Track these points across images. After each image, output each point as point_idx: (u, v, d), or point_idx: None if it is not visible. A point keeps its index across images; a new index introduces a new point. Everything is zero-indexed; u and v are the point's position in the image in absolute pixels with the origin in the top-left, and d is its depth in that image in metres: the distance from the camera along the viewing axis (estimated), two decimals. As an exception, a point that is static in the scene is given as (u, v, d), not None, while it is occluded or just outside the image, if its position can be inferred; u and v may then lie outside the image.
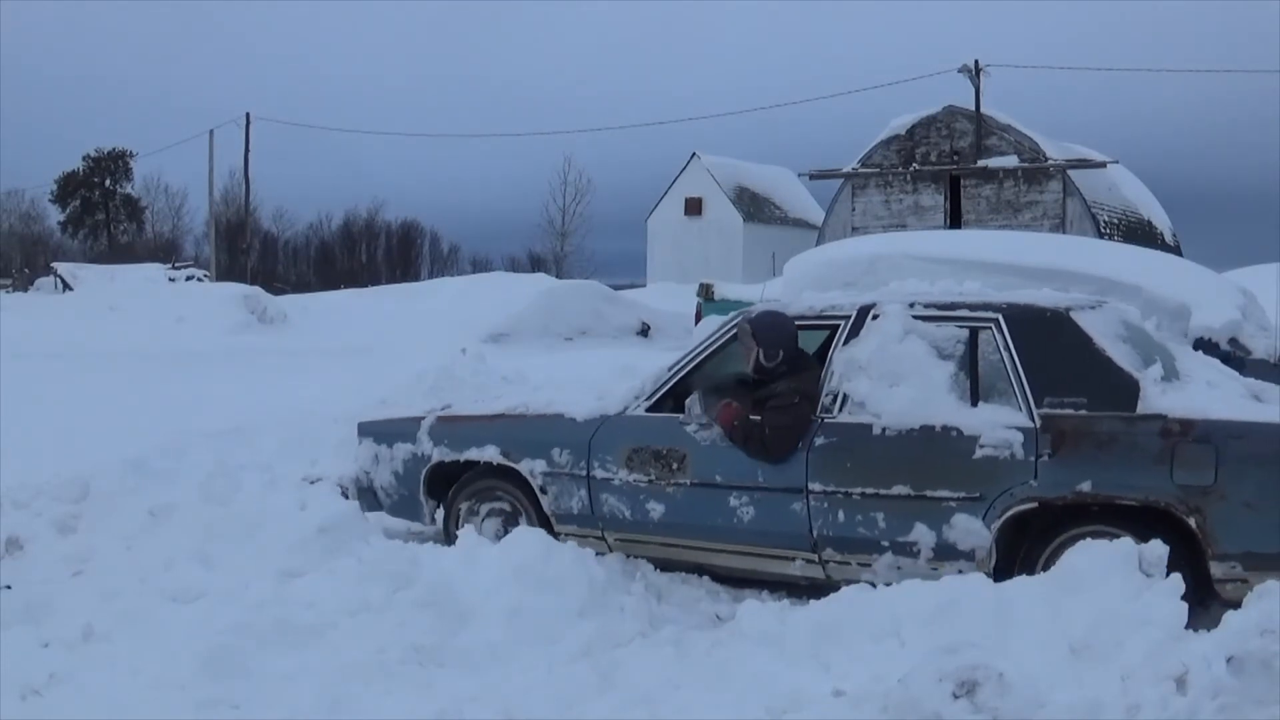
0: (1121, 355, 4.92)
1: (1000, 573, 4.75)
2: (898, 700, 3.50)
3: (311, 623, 4.50)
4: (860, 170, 31.82)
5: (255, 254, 51.41)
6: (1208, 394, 4.95)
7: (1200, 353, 6.33)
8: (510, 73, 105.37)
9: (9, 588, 5.04)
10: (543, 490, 5.75)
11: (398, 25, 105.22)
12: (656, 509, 5.47)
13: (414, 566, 4.87)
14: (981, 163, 30.25)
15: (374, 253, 77.36)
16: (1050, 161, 29.90)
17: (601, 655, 4.31)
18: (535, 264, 59.79)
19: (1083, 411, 4.81)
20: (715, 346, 5.65)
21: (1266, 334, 8.32)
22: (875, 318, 5.30)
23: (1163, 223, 33.13)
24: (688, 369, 5.65)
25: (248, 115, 43.97)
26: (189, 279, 35.86)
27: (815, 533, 5.15)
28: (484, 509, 6.00)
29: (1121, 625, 3.81)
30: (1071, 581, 4.09)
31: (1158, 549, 4.11)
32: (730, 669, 4.11)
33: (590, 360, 13.58)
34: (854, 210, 31.86)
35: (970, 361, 5.14)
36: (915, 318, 5.23)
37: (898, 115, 31.75)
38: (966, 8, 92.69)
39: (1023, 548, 4.90)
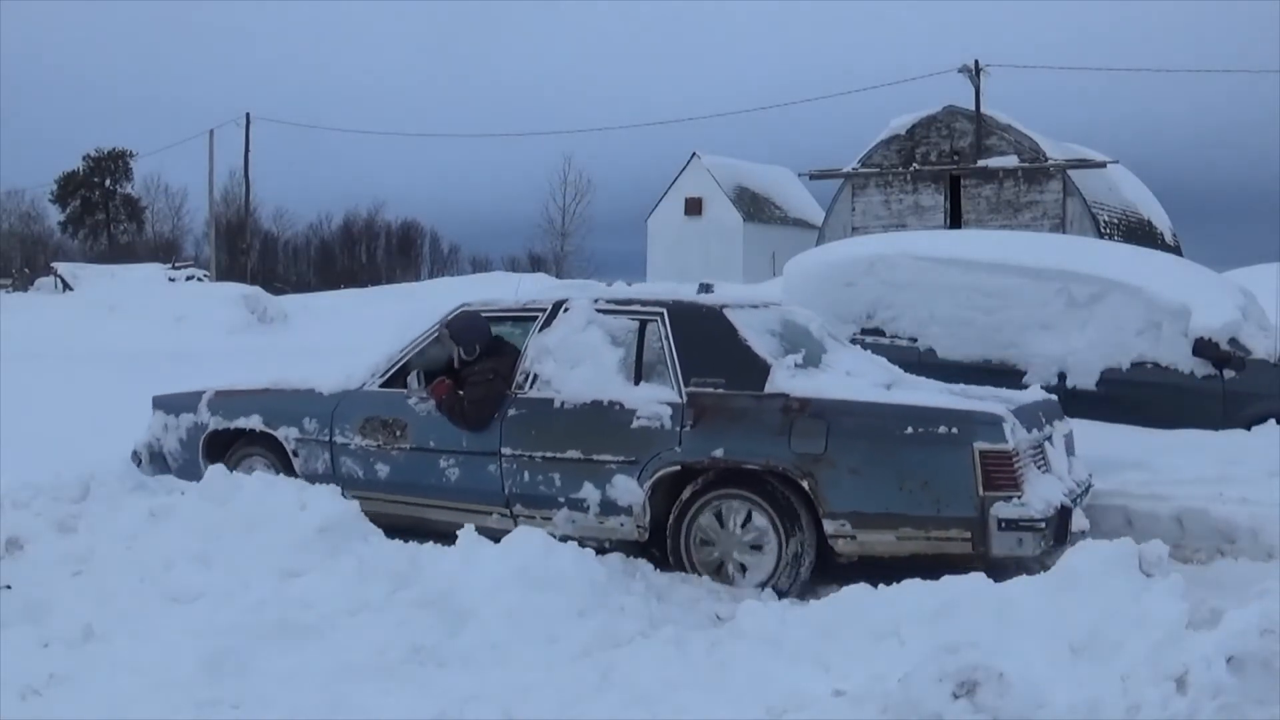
0: (762, 345, 5.73)
1: (656, 529, 5.65)
2: (898, 700, 3.50)
3: (311, 623, 4.50)
4: (860, 170, 31.80)
5: (255, 254, 51.42)
6: (834, 380, 5.69)
7: (859, 348, 6.91)
8: (510, 73, 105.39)
9: (9, 588, 5.04)
10: (294, 454, 6.57)
11: (398, 25, 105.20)
12: (384, 470, 6.29)
13: (414, 566, 4.87)
14: (981, 163, 30.23)
15: (374, 253, 77.38)
16: (1050, 161, 29.87)
17: (601, 655, 4.30)
18: (535, 264, 59.81)
19: (720, 390, 5.62)
20: (436, 333, 6.42)
21: (1266, 334, 8.31)
22: (566, 310, 6.13)
23: (1163, 223, 33.10)
24: (415, 350, 6.46)
25: (248, 115, 44.02)
26: (189, 279, 35.86)
27: (507, 490, 5.97)
28: (252, 471, 6.45)
29: (1121, 625, 3.81)
30: (1071, 581, 4.09)
31: (1157, 549, 4.13)
32: (730, 669, 4.11)
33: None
34: (854, 210, 31.83)
35: (638, 348, 5.93)
36: (598, 311, 6.06)
37: (898, 115, 31.72)
38: (966, 8, 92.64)
39: (675, 506, 5.62)
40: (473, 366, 6.21)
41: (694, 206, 50.41)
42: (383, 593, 4.69)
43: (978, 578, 4.33)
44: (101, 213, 72.85)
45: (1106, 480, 6.60)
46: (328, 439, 6.46)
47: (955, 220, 30.36)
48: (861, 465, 5.28)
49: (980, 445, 5.10)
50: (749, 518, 5.51)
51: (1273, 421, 7.58)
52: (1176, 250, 29.14)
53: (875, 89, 66.06)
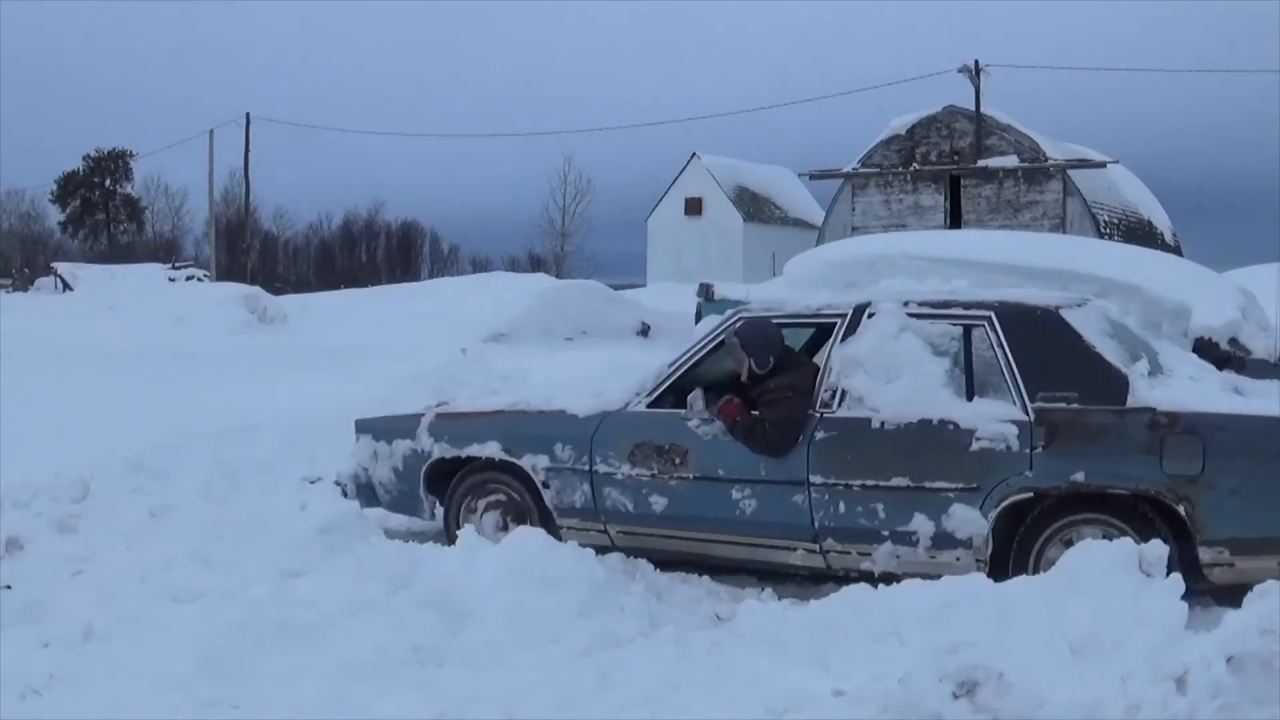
0: (1110, 351, 5.11)
1: (997, 561, 5.02)
2: (898, 700, 3.50)
3: (311, 623, 4.49)
4: (860, 170, 31.78)
5: (255, 254, 51.38)
6: (1192, 388, 5.17)
7: (1184, 350, 6.48)
8: (510, 73, 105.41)
9: (9, 588, 5.04)
10: (545, 485, 5.86)
11: (398, 25, 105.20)
12: (660, 502, 5.60)
13: (414, 566, 4.87)
14: (981, 163, 30.21)
15: (374, 253, 77.36)
16: (1050, 161, 29.86)
17: (601, 655, 4.30)
18: (535, 264, 59.81)
19: (1075, 405, 4.99)
20: (713, 344, 5.79)
21: (1266, 334, 8.31)
22: (871, 316, 5.45)
23: (1163, 223, 33.09)
24: (688, 366, 5.79)
25: (248, 115, 43.99)
26: (189, 279, 35.85)
27: (816, 523, 5.30)
28: (482, 504, 6.10)
29: (1121, 625, 3.81)
30: (1071, 581, 4.09)
31: (1158, 549, 4.12)
32: (730, 669, 4.10)
33: (591, 360, 13.56)
34: (854, 210, 31.81)
35: (965, 357, 5.34)
36: (910, 315, 5.39)
37: (898, 115, 31.70)
38: (966, 8, 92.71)
39: (1018, 536, 5.06)
40: (765, 383, 5.53)
41: (694, 206, 50.39)
42: (383, 593, 4.69)
43: (978, 578, 4.33)
44: (101, 213, 72.83)
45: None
46: (587, 468, 5.74)
47: (955, 220, 30.34)
48: (1243, 486, 4.73)
49: None
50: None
51: (1273, 421, 7.56)
52: (1176, 250, 29.12)
53: (875, 89, 65.82)
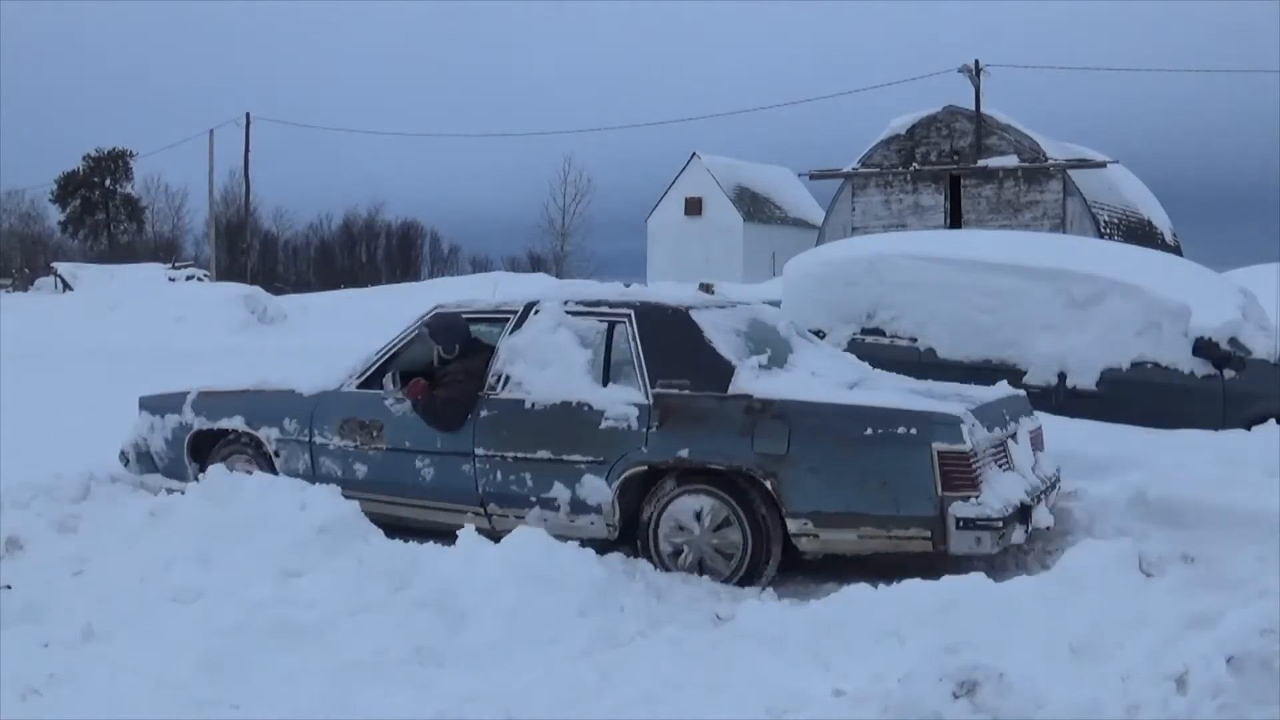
0: (726, 346, 5.82)
1: (627, 525, 5.77)
2: (898, 700, 3.50)
3: (311, 623, 4.49)
4: (860, 170, 31.80)
5: (255, 254, 51.40)
6: (798, 380, 5.75)
7: (829, 345, 7.08)
8: (511, 73, 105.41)
9: (9, 588, 5.04)
10: (276, 454, 6.68)
11: (398, 25, 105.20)
12: (361, 470, 6.38)
13: (414, 566, 4.87)
14: (981, 163, 30.23)
15: (374, 253, 77.46)
16: (1050, 161, 29.88)
17: (601, 655, 4.30)
18: (535, 264, 59.89)
19: (686, 391, 5.71)
20: (414, 334, 6.54)
21: (1266, 334, 8.31)
22: (536, 312, 6.24)
23: (1163, 223, 33.11)
24: (393, 352, 6.59)
25: (248, 115, 44.00)
26: (189, 279, 35.90)
27: (481, 490, 6.06)
28: (233, 470, 6.68)
29: (1121, 625, 3.81)
30: (1071, 581, 4.09)
31: (1158, 549, 4.12)
32: (730, 669, 4.10)
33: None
34: (854, 210, 31.84)
35: (606, 349, 6.03)
36: (567, 312, 6.16)
37: (898, 115, 31.74)
38: (966, 8, 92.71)
39: (644, 502, 5.73)
40: (448, 367, 6.29)
41: (694, 206, 50.41)
42: (383, 593, 4.69)
43: (978, 578, 4.33)
44: (101, 213, 72.87)
45: (1107, 480, 6.59)
46: (308, 439, 6.55)
47: (955, 220, 30.36)
48: (822, 465, 5.37)
49: (939, 446, 5.18)
50: (716, 515, 5.59)
51: (1273, 421, 7.56)
52: (1176, 250, 29.14)
53: (875, 89, 66.13)
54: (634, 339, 5.92)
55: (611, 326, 6.04)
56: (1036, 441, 6.21)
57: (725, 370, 5.68)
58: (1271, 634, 3.34)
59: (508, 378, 6.08)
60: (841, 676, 3.94)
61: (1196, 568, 5.74)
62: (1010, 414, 5.95)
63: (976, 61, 30.99)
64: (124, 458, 7.38)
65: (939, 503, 5.17)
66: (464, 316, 6.52)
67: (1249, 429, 7.59)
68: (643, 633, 4.55)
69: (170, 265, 42.31)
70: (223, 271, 43.45)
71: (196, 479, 6.80)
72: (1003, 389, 6.31)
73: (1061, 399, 8.23)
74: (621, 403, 5.77)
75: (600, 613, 4.61)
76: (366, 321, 21.88)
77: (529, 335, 6.13)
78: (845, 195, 32.21)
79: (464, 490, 6.07)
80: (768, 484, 5.41)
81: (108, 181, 72.95)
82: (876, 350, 8.88)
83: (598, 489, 5.77)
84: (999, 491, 5.29)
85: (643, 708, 3.86)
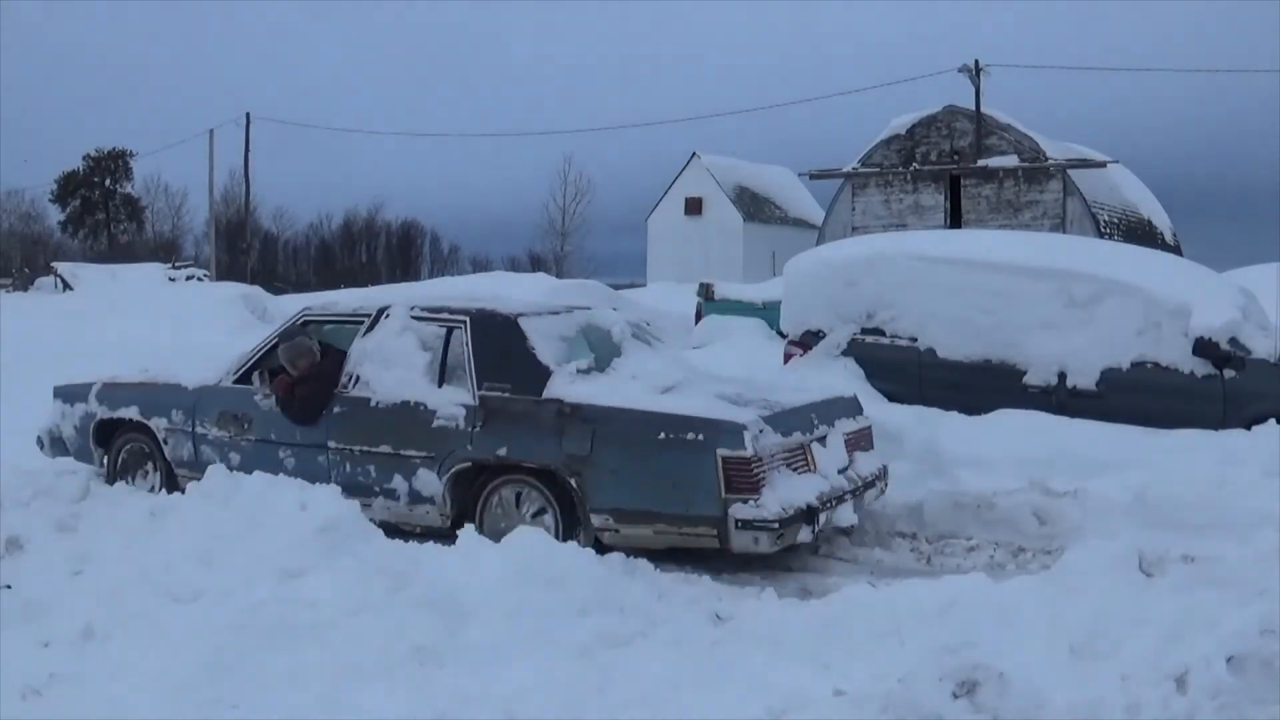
0: (547, 352, 6.23)
1: (462, 513, 6.12)
2: (898, 700, 3.50)
3: (311, 623, 4.49)
4: (860, 170, 31.78)
5: (255, 253, 51.37)
6: (610, 385, 6.09)
7: (665, 347, 7.23)
8: (511, 73, 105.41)
9: (9, 588, 5.04)
10: (165, 441, 7.21)
11: (398, 25, 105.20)
12: (235, 458, 6.82)
13: (414, 566, 4.87)
14: (981, 162, 30.20)
15: (374, 252, 77.41)
16: (1050, 161, 29.84)
17: (601, 655, 4.30)
18: (535, 264, 59.87)
19: (506, 394, 6.15)
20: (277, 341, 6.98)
21: (1266, 334, 8.30)
22: (386, 317, 6.69)
23: (1163, 223, 33.08)
24: (263, 351, 7.02)
25: (248, 115, 43.94)
26: (189, 278, 35.87)
27: (333, 479, 6.38)
28: (131, 454, 7.46)
29: (1121, 625, 3.81)
30: (1071, 581, 4.09)
31: (1158, 549, 4.12)
32: (730, 669, 4.10)
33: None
34: (854, 210, 31.81)
35: (444, 353, 6.46)
36: (413, 318, 6.62)
37: (898, 115, 31.70)
38: (966, 8, 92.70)
39: (473, 493, 6.14)
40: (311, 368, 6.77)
41: (694, 206, 50.37)
42: (383, 593, 4.69)
43: (978, 578, 4.33)
44: (101, 212, 72.80)
45: (1107, 480, 6.60)
46: (191, 429, 7.09)
47: (955, 220, 30.34)
48: (621, 466, 5.76)
49: (722, 451, 5.52)
50: (536, 504, 6.04)
51: (1273, 421, 7.56)
52: (1176, 250, 29.12)
53: (875, 89, 66.04)
54: (467, 344, 6.37)
55: (450, 332, 6.49)
56: (858, 442, 6.47)
57: (542, 375, 6.13)
58: (1271, 634, 3.34)
59: (358, 377, 6.57)
60: (841, 676, 3.94)
61: (1196, 568, 5.75)
62: (821, 418, 6.18)
63: (976, 61, 30.97)
64: (40, 442, 7.89)
65: (722, 504, 5.51)
66: (323, 319, 7.07)
67: (1249, 429, 7.59)
68: (643, 633, 4.55)
69: (170, 265, 42.22)
70: (223, 271, 43.45)
71: (101, 463, 7.64)
72: (824, 392, 6.62)
73: (1061, 399, 8.24)
74: (452, 403, 6.24)
75: (600, 613, 4.62)
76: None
77: (378, 338, 6.62)
78: (845, 195, 32.19)
79: (319, 479, 6.24)
80: (573, 482, 5.85)
81: (108, 181, 72.87)
82: (876, 350, 8.89)
83: (431, 482, 6.24)
84: (782, 495, 5.58)
85: (642, 708, 3.86)
